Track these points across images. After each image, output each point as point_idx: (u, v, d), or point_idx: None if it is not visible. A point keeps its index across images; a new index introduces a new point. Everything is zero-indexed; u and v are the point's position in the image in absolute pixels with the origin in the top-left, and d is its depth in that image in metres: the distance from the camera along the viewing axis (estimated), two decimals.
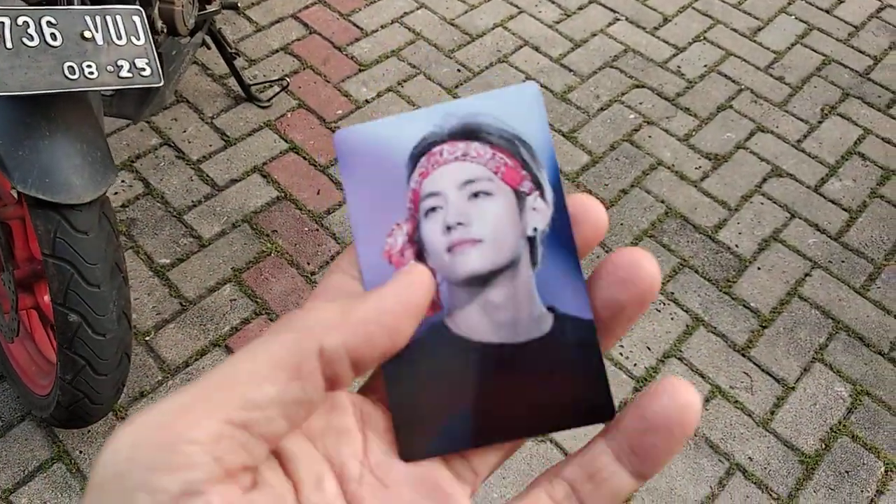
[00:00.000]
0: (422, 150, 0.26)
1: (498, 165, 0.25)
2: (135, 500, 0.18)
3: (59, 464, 1.41)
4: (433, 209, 0.25)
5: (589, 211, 0.25)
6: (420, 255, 0.25)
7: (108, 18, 1.09)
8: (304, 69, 2.14)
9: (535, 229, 0.25)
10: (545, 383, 0.25)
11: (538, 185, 0.25)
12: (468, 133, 0.26)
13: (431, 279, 0.23)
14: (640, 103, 2.14)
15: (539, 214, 0.25)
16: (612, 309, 0.25)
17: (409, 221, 0.25)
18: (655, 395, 0.23)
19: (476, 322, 0.25)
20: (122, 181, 1.84)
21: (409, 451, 0.24)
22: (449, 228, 0.25)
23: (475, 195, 0.25)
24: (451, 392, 0.25)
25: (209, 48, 1.86)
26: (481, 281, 0.25)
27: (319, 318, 0.22)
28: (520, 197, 0.25)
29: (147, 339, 1.58)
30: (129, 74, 1.11)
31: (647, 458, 0.23)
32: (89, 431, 1.44)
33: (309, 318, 0.22)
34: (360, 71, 2.15)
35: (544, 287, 0.25)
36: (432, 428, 0.25)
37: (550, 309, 0.25)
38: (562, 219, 0.25)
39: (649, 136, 2.06)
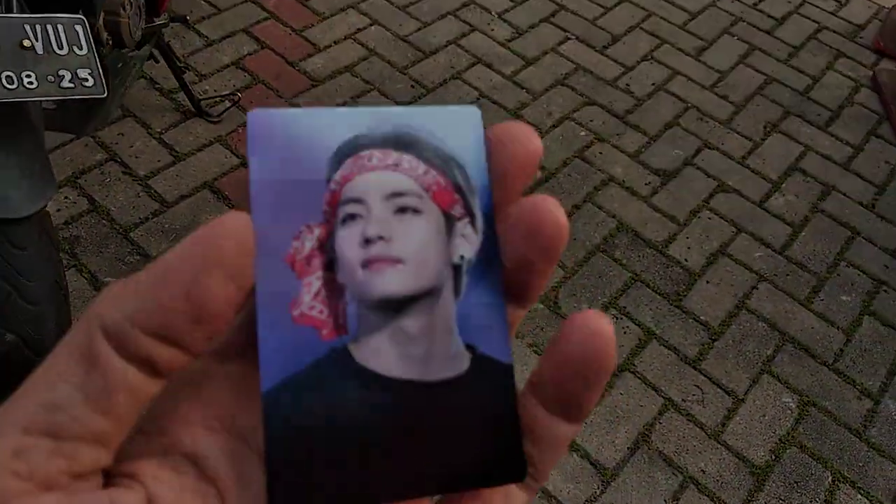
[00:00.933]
0: (349, 151, 0.23)
1: (430, 183, 0.23)
2: None
3: None
4: (352, 217, 0.22)
5: (516, 133, 0.23)
6: (329, 266, 0.22)
7: (49, 27, 1.05)
8: (255, 84, 2.11)
9: (462, 257, 0.23)
10: (452, 432, 0.22)
11: (469, 212, 0.23)
12: (402, 143, 0.23)
13: (247, 228, 0.19)
14: (591, 120, 2.18)
15: (467, 242, 0.23)
16: (519, 264, 0.23)
17: (323, 227, 0.22)
18: (565, 336, 0.22)
19: (385, 352, 0.22)
20: (66, 197, 1.78)
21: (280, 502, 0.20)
22: (368, 241, 0.22)
23: (402, 210, 0.23)
24: (345, 435, 0.21)
25: (158, 62, 1.82)
26: (396, 306, 0.22)
27: (103, 295, 0.19)
28: (449, 220, 0.23)
29: None
30: (71, 85, 1.08)
31: (575, 402, 0.22)
32: None
33: (94, 300, 0.19)
34: (314, 86, 2.13)
35: (464, 322, 0.23)
36: (316, 478, 0.21)
37: (469, 347, 0.23)
38: (490, 251, 0.23)
39: (600, 153, 2.09)
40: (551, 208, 0.22)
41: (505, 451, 0.22)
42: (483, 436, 0.22)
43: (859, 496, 1.54)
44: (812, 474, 1.56)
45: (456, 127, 0.24)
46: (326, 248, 0.22)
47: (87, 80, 1.08)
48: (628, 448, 1.55)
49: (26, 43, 1.04)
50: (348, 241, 0.22)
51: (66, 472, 0.18)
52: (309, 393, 0.21)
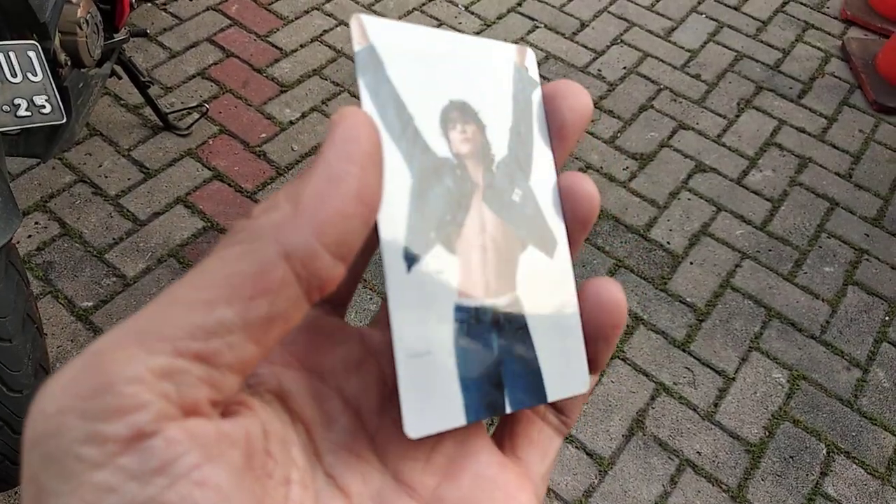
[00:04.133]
0: (445, 118, 0.24)
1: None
2: (80, 458, 0.15)
3: None
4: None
5: (569, 88, 0.26)
6: None
7: (1, 55, 1.02)
8: (223, 93, 2.08)
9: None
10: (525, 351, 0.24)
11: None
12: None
13: (368, 118, 0.19)
14: None
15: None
16: None
17: None
18: (581, 302, 0.25)
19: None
20: (36, 223, 1.74)
21: (417, 421, 0.20)
22: None
23: None
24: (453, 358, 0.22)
25: (120, 78, 1.79)
26: None
27: (268, 218, 0.18)
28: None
29: None
30: (28, 113, 1.05)
31: (592, 358, 0.25)
32: (15, 493, 1.35)
33: (256, 224, 0.18)
34: (283, 92, 2.10)
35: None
36: (447, 387, 0.21)
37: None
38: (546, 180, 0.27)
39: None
40: (586, 184, 0.25)
41: (574, 364, 0.24)
42: (558, 350, 0.24)
43: (854, 466, 1.54)
44: (806, 448, 1.56)
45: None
46: None
47: (44, 106, 1.05)
48: (623, 435, 1.54)
49: None
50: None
51: (208, 399, 0.17)
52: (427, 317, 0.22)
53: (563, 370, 0.24)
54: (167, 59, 2.15)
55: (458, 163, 0.23)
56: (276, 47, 2.23)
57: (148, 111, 1.98)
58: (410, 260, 0.21)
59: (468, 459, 0.22)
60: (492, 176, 0.24)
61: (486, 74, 0.24)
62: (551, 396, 0.23)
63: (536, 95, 0.25)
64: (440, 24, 2.36)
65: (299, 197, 0.18)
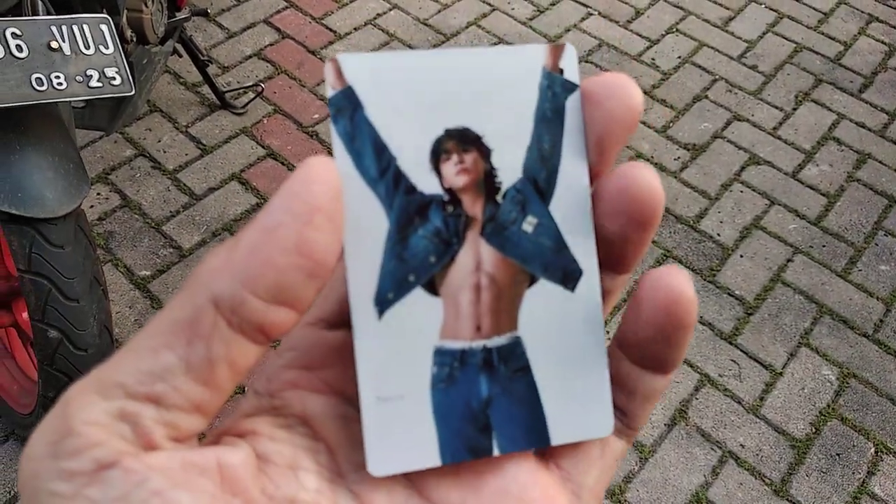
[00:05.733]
0: (437, 151, 0.22)
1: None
2: (54, 493, 0.17)
3: None
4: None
5: (615, 86, 0.22)
6: None
7: (75, 28, 1.06)
8: (278, 74, 2.12)
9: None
10: (539, 389, 0.22)
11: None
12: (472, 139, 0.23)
13: (333, 170, 0.19)
14: None
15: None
16: (615, 237, 0.22)
17: None
18: (646, 297, 0.21)
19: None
20: (98, 194, 1.81)
21: (382, 459, 0.20)
22: None
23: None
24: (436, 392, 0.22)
25: (181, 56, 1.84)
26: None
27: (206, 265, 0.19)
28: None
29: None
30: (99, 84, 1.09)
31: (661, 358, 0.22)
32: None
33: (198, 271, 0.19)
34: None
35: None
36: (419, 429, 0.21)
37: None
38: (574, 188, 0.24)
39: (622, 146, 2.06)
40: (648, 179, 0.21)
41: (593, 406, 0.22)
42: (572, 390, 0.22)
43: None
44: (854, 446, 1.54)
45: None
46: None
47: (114, 78, 1.09)
48: (665, 424, 1.54)
49: (54, 44, 1.05)
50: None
51: (166, 438, 0.18)
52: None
53: (578, 412, 0.22)
54: (225, 38, 2.20)
55: (450, 198, 0.22)
56: (331, 30, 2.26)
57: (205, 89, 2.02)
58: (383, 305, 0.21)
59: (494, 471, 0.22)
60: (495, 207, 0.22)
61: (499, 89, 0.22)
62: (557, 440, 0.22)
63: (573, 100, 0.23)
64: (493, 9, 2.36)
65: (236, 245, 0.18)
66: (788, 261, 1.82)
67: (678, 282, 0.21)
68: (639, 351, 0.22)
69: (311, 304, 0.19)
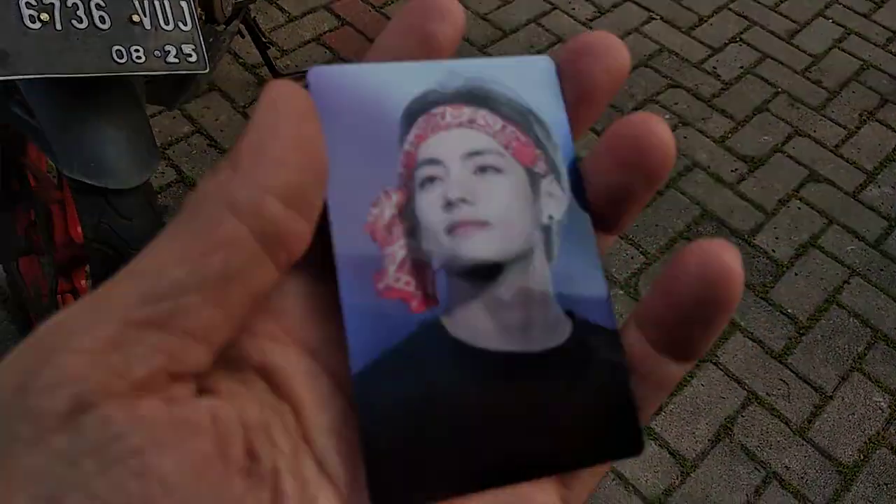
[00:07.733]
0: (420, 109, 0.21)
1: (509, 139, 0.22)
2: (15, 437, 0.14)
3: None
4: (431, 179, 0.21)
5: (602, 44, 0.21)
6: (412, 233, 0.20)
7: (157, 3, 1.07)
8: (336, 61, 2.12)
9: (551, 217, 0.21)
10: (561, 407, 0.20)
11: (553, 168, 0.22)
12: (475, 98, 0.22)
13: (294, 86, 0.18)
14: (675, 104, 2.11)
15: (554, 201, 0.21)
16: (616, 189, 0.21)
17: (401, 191, 0.20)
18: (684, 271, 0.19)
19: (480, 323, 0.20)
20: None
21: (383, 494, 0.18)
22: (450, 204, 0.21)
23: (482, 169, 0.21)
24: (447, 417, 0.19)
25: (244, 37, 1.85)
26: (487, 272, 0.21)
27: (214, 180, 0.17)
28: (534, 178, 0.22)
29: None
30: (176, 60, 1.10)
31: (689, 343, 0.20)
32: None
33: (201, 189, 0.17)
34: None
35: (559, 287, 0.21)
36: (420, 467, 0.19)
37: (569, 314, 0.21)
38: (579, 208, 0.22)
39: (685, 137, 2.03)
40: (660, 128, 0.20)
41: (619, 425, 0.20)
42: (596, 409, 0.20)
43: None
44: None
45: (530, 78, 0.22)
46: (407, 214, 0.20)
47: (191, 55, 1.09)
48: (709, 440, 1.51)
49: (135, 18, 1.06)
50: (429, 206, 0.21)
51: (165, 371, 0.15)
52: (403, 372, 0.19)
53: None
54: (286, 22, 2.21)
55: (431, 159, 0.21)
56: (390, 19, 2.25)
57: (264, 71, 2.03)
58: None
59: None
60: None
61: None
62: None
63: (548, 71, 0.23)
64: (553, 7, 2.34)
65: (237, 155, 0.17)
66: (845, 282, 1.78)
67: (729, 257, 0.19)
68: (664, 332, 0.20)
69: (318, 217, 0.18)
